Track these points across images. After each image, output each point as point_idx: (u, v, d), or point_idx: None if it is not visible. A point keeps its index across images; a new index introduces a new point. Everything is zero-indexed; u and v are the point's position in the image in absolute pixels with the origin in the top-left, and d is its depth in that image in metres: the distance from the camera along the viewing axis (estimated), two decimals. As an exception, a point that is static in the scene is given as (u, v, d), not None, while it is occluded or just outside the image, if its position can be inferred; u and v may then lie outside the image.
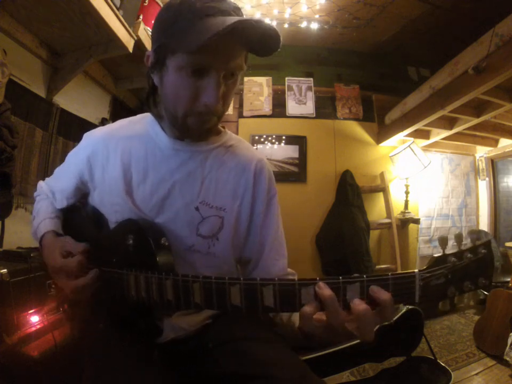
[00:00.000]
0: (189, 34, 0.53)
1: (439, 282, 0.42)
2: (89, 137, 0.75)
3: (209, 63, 0.56)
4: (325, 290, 0.44)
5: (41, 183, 0.83)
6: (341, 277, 0.44)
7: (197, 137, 0.68)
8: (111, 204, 0.68)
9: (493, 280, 0.43)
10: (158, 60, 0.60)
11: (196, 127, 0.63)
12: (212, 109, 0.59)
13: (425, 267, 0.43)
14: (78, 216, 0.77)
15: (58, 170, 0.81)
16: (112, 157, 0.69)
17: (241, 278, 0.48)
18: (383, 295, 0.43)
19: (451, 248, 0.48)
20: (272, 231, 0.73)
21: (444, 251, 0.44)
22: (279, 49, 0.58)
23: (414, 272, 0.42)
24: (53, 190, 0.79)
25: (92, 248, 0.67)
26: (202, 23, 0.53)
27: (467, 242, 0.45)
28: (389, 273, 0.43)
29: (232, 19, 0.51)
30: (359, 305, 0.43)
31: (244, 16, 0.58)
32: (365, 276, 0.44)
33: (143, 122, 0.73)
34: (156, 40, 0.61)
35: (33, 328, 1.10)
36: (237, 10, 0.58)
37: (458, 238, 0.46)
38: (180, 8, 0.56)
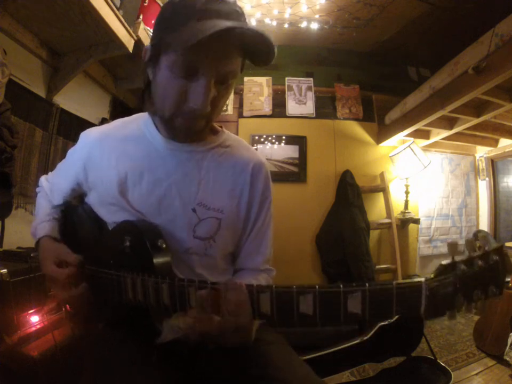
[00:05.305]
0: (182, 33, 0.53)
1: (446, 291, 0.39)
2: (85, 138, 0.73)
3: (199, 65, 0.55)
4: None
5: (42, 179, 0.84)
6: (341, 285, 0.41)
7: (183, 138, 0.66)
8: (107, 205, 0.68)
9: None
10: (153, 55, 0.60)
11: (182, 128, 0.62)
12: (198, 113, 0.58)
13: (432, 275, 0.40)
14: (76, 216, 0.77)
15: (59, 167, 0.82)
16: (107, 159, 0.68)
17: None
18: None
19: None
20: (256, 229, 0.72)
21: (453, 258, 0.40)
22: (271, 62, 0.56)
23: (420, 281, 0.39)
24: (52, 187, 0.80)
25: (88, 252, 0.67)
26: (196, 24, 0.52)
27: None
28: (393, 282, 0.40)
29: (225, 24, 0.50)
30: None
31: (245, 21, 0.58)
32: (367, 285, 0.40)
33: (138, 122, 0.72)
34: (154, 35, 0.62)
35: (33, 328, 1.10)
36: (236, 14, 0.56)
37: (470, 244, 0.43)
38: (179, 6, 0.56)
